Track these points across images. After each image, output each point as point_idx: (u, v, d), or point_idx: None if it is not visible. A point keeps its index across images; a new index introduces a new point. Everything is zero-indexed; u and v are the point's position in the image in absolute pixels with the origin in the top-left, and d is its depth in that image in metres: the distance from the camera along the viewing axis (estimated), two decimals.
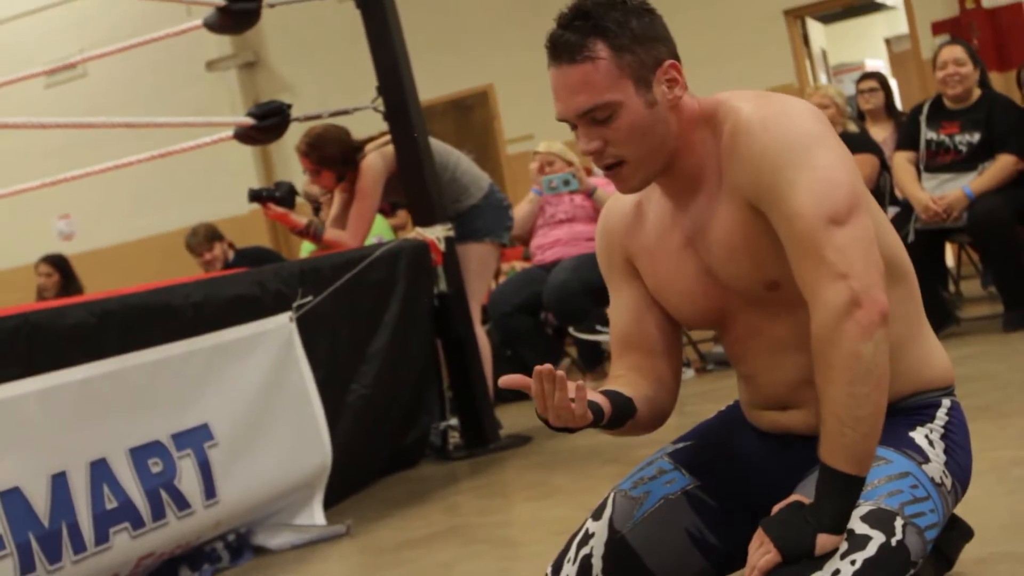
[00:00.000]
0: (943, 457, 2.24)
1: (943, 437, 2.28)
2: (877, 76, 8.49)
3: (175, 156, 5.84)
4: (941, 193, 5.89)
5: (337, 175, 5.50)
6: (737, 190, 2.14)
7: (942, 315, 6.05)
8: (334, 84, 11.43)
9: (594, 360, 6.75)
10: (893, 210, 6.34)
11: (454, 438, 5.26)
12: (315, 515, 4.17)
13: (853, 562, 1.97)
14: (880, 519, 2.03)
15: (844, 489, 2.00)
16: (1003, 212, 5.80)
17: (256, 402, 4.04)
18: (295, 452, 4.14)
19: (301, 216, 5.65)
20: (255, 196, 5.51)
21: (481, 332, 5.51)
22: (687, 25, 11.41)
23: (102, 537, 3.41)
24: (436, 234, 5.15)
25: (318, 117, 5.55)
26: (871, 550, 1.99)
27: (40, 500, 3.28)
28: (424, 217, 5.22)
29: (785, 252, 2.08)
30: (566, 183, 6.69)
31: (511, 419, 5.59)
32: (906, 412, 2.28)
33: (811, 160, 2.05)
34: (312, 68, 12.70)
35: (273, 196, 5.43)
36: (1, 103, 10.06)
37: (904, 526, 2.05)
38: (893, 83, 9.82)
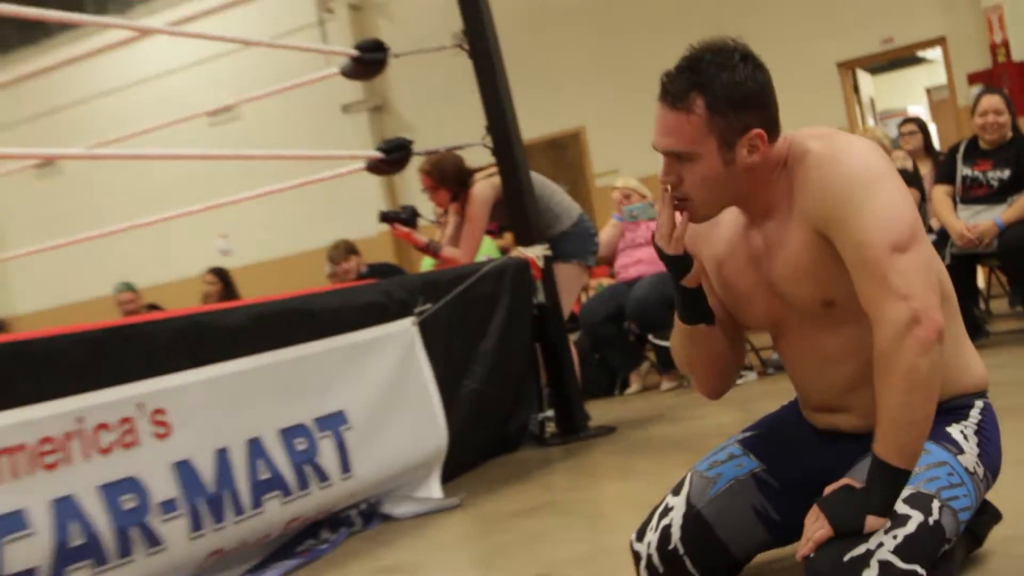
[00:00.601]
0: (976, 450, 2.25)
1: (976, 432, 2.29)
2: (916, 121, 8.42)
3: (315, 185, 5.96)
4: (975, 222, 5.81)
5: (452, 194, 5.62)
6: (807, 217, 2.15)
7: (974, 329, 5.95)
8: (449, 125, 11.49)
9: (671, 363, 6.75)
10: (930, 237, 6.27)
11: (550, 427, 5.28)
12: (433, 489, 4.23)
13: (895, 537, 2.00)
14: (919, 501, 2.06)
15: (893, 480, 2.03)
16: None
17: (384, 393, 4.11)
18: (416, 436, 4.20)
19: (422, 235, 5.75)
20: (385, 217, 5.64)
21: (568, 339, 5.55)
22: None
23: (257, 503, 3.50)
24: (536, 253, 5.19)
25: (436, 151, 5.63)
26: (911, 527, 2.02)
27: (207, 470, 3.37)
28: (525, 238, 5.27)
29: (843, 274, 2.10)
30: (645, 212, 6.71)
31: (598, 413, 5.60)
32: (945, 412, 2.27)
33: (876, 193, 2.06)
34: (430, 111, 12.82)
35: (400, 218, 5.56)
36: (172, 139, 10.29)
37: (940, 508, 2.07)
38: (933, 127, 9.73)
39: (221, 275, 9.47)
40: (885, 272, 2.02)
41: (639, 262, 6.89)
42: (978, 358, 2.41)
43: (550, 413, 5.28)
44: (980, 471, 2.25)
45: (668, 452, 4.51)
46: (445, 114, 11.94)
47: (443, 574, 3.32)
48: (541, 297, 5.23)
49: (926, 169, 7.49)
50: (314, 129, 13.25)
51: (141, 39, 13.49)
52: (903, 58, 12.71)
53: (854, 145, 2.19)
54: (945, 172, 6.16)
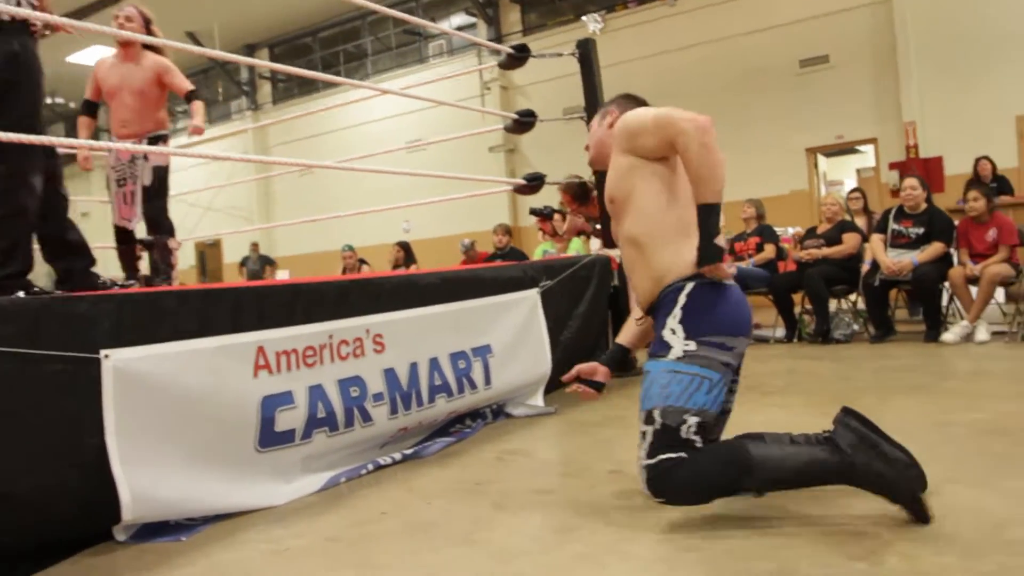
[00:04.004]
0: (683, 334, 2.02)
1: (681, 320, 2.03)
2: (859, 190, 8.02)
3: (463, 192, 5.74)
4: (898, 259, 5.56)
5: (578, 203, 5.39)
6: None
7: (888, 328, 5.73)
8: (552, 161, 11.28)
9: None
10: (867, 266, 6.00)
11: None
12: (539, 400, 4.03)
13: (644, 446, 2.02)
14: (646, 415, 2.03)
15: None
16: (933, 274, 5.47)
17: (515, 335, 3.90)
18: (532, 364, 4.00)
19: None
20: (533, 211, 5.47)
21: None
22: (750, 150, 11.08)
23: (431, 399, 3.33)
24: (615, 253, 4.96)
25: (558, 183, 5.40)
26: (650, 436, 2.01)
27: (403, 376, 3.20)
28: (609, 243, 5.02)
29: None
30: None
31: (642, 357, 5.33)
32: (664, 303, 2.10)
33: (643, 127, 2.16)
34: (543, 153, 12.54)
35: (542, 213, 5.38)
36: (382, 162, 10.20)
37: (661, 412, 1.99)
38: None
39: (404, 247, 9.35)
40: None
41: None
42: (686, 254, 2.09)
43: None
44: (693, 346, 2.01)
45: None
46: (551, 156, 11.68)
47: (548, 456, 3.13)
48: (616, 281, 4.99)
49: (863, 221, 7.10)
50: (471, 160, 13.04)
51: (373, 97, 13.47)
52: (846, 148, 12.15)
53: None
54: (881, 226, 5.92)
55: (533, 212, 5.43)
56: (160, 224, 4.00)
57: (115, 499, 2.21)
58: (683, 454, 1.96)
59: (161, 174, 3.95)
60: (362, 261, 9.58)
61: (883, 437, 1.97)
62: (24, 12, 2.55)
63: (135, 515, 2.26)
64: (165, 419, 2.37)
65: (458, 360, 3.53)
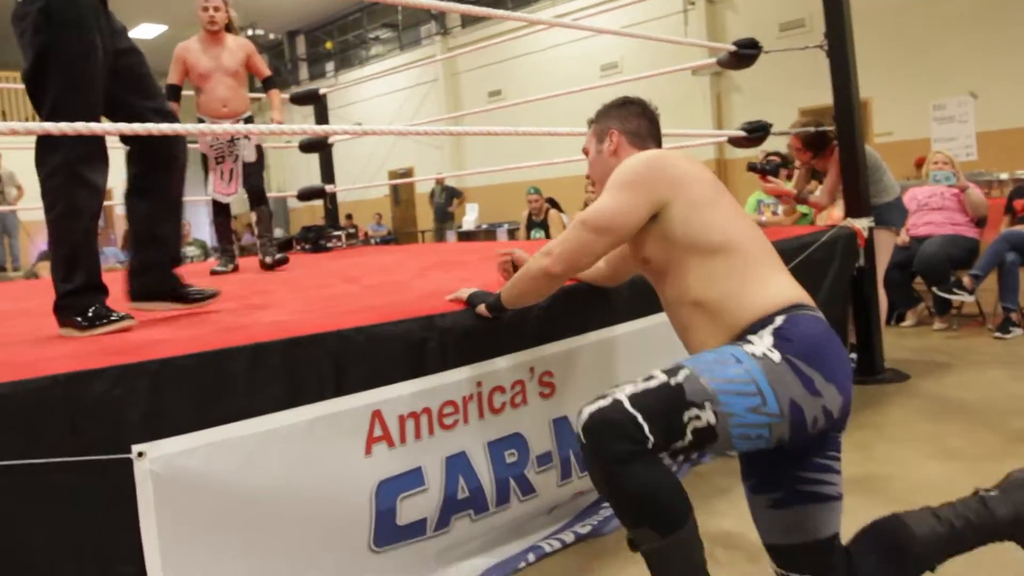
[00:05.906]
0: (770, 341, 1.53)
1: (773, 332, 1.55)
2: None
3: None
4: None
5: (812, 154, 4.17)
6: None
7: None
8: (775, 88, 9.80)
9: (945, 308, 5.16)
10: None
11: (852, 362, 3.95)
12: None
13: (635, 385, 1.50)
14: (672, 369, 1.53)
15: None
16: None
17: None
18: None
19: (783, 184, 4.45)
20: (752, 168, 4.30)
21: (882, 292, 4.10)
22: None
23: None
24: (862, 224, 3.82)
25: (787, 134, 4.23)
26: (652, 383, 1.50)
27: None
28: (855, 211, 3.86)
29: (650, 239, 1.76)
30: (947, 179, 5.07)
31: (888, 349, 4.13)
32: (744, 335, 1.59)
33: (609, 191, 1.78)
34: (760, 75, 10.98)
35: (764, 169, 4.22)
36: (575, 81, 9.23)
37: (687, 376, 1.49)
38: None
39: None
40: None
41: (929, 223, 5.25)
42: (776, 288, 1.65)
43: (853, 355, 3.95)
44: (776, 356, 1.51)
45: (974, 426, 3.12)
46: (767, 78, 10.09)
47: None
48: (862, 261, 3.86)
49: None
50: (668, 83, 11.72)
51: (566, 15, 12.39)
52: None
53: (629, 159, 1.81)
54: None
55: (752, 168, 4.28)
56: (262, 196, 4.24)
57: None
58: (639, 448, 1.43)
59: (261, 150, 4.24)
60: (551, 203, 8.70)
61: None
62: None
63: None
64: (232, 531, 1.67)
65: None
